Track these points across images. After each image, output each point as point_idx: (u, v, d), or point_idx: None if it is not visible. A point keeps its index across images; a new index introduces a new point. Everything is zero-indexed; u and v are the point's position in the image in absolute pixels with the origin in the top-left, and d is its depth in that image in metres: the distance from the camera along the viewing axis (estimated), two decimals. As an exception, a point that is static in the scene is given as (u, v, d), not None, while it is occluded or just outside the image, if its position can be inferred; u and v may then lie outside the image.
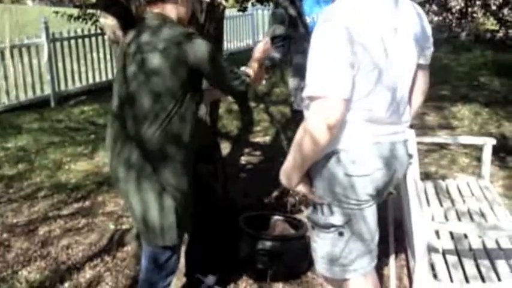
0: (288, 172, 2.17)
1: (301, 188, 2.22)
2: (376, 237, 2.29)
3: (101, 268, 3.62)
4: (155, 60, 2.35)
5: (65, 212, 4.55)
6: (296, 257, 3.36)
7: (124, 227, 4.17)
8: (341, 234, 2.20)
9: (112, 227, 4.20)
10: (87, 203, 4.72)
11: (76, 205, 4.69)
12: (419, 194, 2.72)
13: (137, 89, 2.40)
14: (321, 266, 2.31)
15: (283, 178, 2.21)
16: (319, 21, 2.07)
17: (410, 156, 2.33)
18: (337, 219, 2.17)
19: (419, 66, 2.25)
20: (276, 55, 3.52)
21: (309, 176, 2.21)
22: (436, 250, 3.04)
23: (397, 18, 2.08)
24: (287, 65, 3.82)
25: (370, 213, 2.22)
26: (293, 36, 3.56)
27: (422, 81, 2.33)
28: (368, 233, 2.23)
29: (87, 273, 3.57)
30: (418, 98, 2.36)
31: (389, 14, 2.07)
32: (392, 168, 2.19)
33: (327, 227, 2.20)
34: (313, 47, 2.03)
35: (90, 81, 9.67)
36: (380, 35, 2.02)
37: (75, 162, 5.83)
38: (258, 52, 2.72)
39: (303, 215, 3.71)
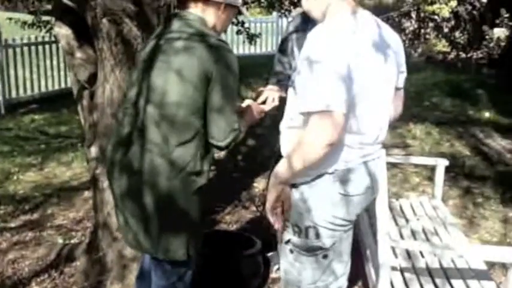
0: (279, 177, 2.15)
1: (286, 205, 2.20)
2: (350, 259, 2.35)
3: (47, 284, 3.51)
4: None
5: (12, 224, 4.41)
6: (247, 275, 3.33)
7: (73, 241, 4.07)
8: (325, 257, 2.21)
9: (60, 241, 4.09)
10: (35, 216, 4.60)
11: (24, 217, 4.56)
12: (385, 214, 2.76)
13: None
14: None
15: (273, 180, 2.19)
16: (300, 60, 2.09)
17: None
18: (324, 242, 2.18)
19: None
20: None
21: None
22: (394, 268, 3.07)
23: (367, 44, 2.11)
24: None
25: (351, 234, 2.28)
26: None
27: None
28: (347, 254, 2.29)
29: (34, 289, 3.46)
30: None
31: (358, 40, 2.09)
32: (376, 186, 2.26)
33: (313, 250, 2.20)
34: (308, 72, 2.02)
35: (43, 89, 9.47)
36: (355, 59, 2.03)
37: (24, 172, 5.67)
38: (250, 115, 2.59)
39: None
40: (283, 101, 2.39)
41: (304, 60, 2.05)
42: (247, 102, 2.70)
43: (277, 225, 2.26)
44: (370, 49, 2.10)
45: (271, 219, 2.27)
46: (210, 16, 2.41)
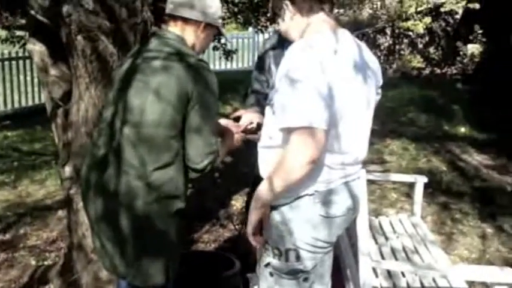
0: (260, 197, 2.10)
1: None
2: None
3: (20, 307, 3.42)
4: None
5: (-17, 245, 4.30)
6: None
7: (46, 262, 3.97)
8: (306, 279, 2.17)
9: (34, 262, 3.98)
10: (7, 236, 4.48)
11: (-5, 238, 4.44)
12: (366, 234, 2.73)
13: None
14: None
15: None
16: (278, 77, 2.05)
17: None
18: (305, 264, 2.13)
19: None
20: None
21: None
22: (375, 288, 3.05)
23: (347, 61, 2.08)
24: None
25: (331, 255, 2.26)
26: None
27: None
28: (327, 276, 2.26)
29: (5, 313, 3.36)
30: None
31: (339, 59, 2.06)
32: (357, 206, 2.23)
33: (294, 273, 2.15)
34: (288, 89, 1.98)
35: (16, 105, 9.34)
36: (334, 79, 2.00)
37: (-4, 191, 5.55)
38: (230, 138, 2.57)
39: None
40: (261, 126, 2.35)
41: (283, 78, 2.01)
42: (223, 121, 2.66)
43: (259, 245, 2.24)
44: (351, 69, 2.07)
45: (253, 242, 2.22)
46: (190, 35, 2.37)
